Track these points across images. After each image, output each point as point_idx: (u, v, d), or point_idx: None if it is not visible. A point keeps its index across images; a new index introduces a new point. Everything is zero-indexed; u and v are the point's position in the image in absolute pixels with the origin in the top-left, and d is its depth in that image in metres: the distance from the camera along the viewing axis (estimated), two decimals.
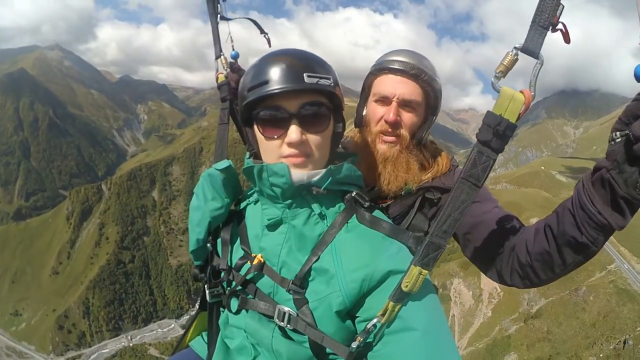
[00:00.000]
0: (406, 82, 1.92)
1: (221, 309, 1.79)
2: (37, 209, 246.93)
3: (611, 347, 50.08)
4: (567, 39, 1.14)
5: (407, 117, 1.95)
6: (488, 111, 1.16)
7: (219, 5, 2.10)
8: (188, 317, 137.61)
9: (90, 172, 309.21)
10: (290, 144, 1.40)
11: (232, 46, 2.13)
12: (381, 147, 1.96)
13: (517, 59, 1.12)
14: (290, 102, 1.39)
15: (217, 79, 2.06)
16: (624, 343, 49.11)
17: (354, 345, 1.30)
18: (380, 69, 1.99)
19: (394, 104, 1.92)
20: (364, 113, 2.08)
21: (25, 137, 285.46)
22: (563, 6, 1.08)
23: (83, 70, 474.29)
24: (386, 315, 1.25)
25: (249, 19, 2.25)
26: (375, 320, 1.26)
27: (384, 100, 1.96)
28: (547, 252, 1.53)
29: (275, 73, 1.36)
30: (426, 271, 1.22)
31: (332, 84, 1.43)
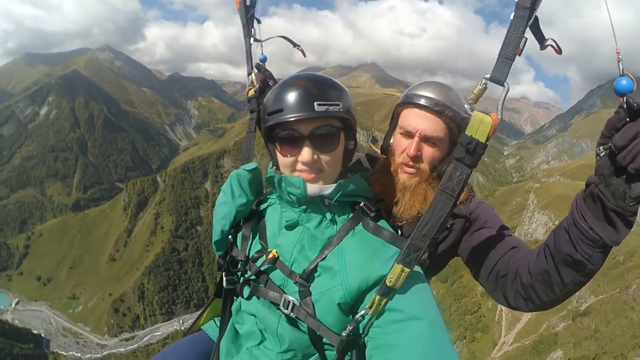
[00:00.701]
0: (429, 117, 2.01)
1: (235, 297, 1.92)
2: (94, 200, 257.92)
3: None
4: (558, 52, 1.27)
5: (428, 151, 2.04)
6: (462, 133, 1.32)
7: (253, 28, 2.27)
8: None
9: (145, 166, 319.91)
10: (303, 163, 1.60)
11: (262, 50, 2.31)
12: (402, 177, 2.06)
13: (486, 88, 1.28)
14: (304, 126, 1.58)
15: (247, 92, 2.20)
16: None
17: (344, 334, 1.48)
18: (407, 102, 2.10)
19: (416, 138, 2.01)
20: (391, 141, 2.19)
21: (82, 134, 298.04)
22: (526, 39, 1.22)
23: (134, 70, 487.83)
24: (373, 308, 1.40)
25: (281, 36, 2.43)
26: (363, 312, 1.43)
27: (408, 134, 2.05)
28: (546, 271, 1.57)
29: (289, 101, 1.56)
30: (408, 269, 1.36)
31: (342, 110, 1.60)
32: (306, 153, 1.58)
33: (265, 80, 2.19)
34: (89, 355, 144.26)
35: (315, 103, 1.53)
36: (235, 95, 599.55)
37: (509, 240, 1.95)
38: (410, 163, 2.03)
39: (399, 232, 2.03)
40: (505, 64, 1.22)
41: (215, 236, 1.89)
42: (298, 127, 1.58)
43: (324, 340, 1.57)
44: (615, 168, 1.22)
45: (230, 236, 1.88)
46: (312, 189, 1.62)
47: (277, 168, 1.79)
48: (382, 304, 1.39)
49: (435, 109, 1.99)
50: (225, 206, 1.85)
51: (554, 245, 1.52)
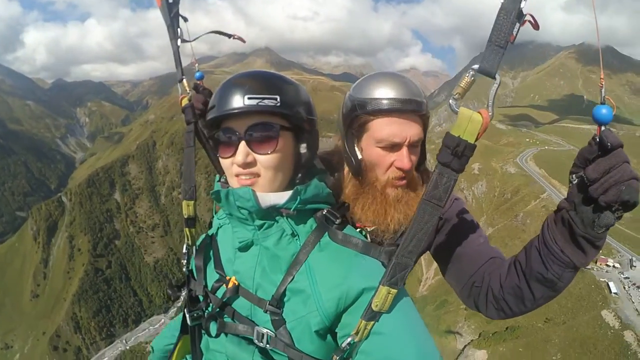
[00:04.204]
0: (410, 122, 1.78)
1: (203, 331, 1.75)
2: None
3: None
4: (536, 27, 1.16)
5: (414, 157, 1.86)
6: (447, 133, 1.18)
7: (179, 29, 2.07)
8: (175, 308, 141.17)
9: (43, 187, 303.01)
10: (237, 165, 1.46)
11: (196, 67, 2.16)
12: (393, 192, 1.86)
13: (474, 80, 1.16)
14: (239, 124, 1.45)
15: (180, 101, 2.00)
16: None
17: None
18: (378, 111, 1.76)
19: (405, 149, 1.80)
20: (360, 157, 1.88)
21: None
22: (519, 24, 1.11)
23: (15, 82, 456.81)
24: (359, 334, 1.30)
25: (211, 32, 2.22)
26: (349, 339, 1.31)
27: (393, 146, 1.80)
28: (517, 286, 1.59)
29: (222, 97, 1.45)
30: (395, 290, 1.27)
31: (279, 104, 1.43)
32: (240, 153, 1.44)
33: (206, 102, 1.85)
34: None
35: (245, 97, 1.41)
36: (126, 95, 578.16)
37: (486, 250, 1.89)
38: (403, 175, 1.83)
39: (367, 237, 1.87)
40: (496, 53, 1.10)
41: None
42: (234, 125, 1.46)
43: None
44: (585, 197, 1.25)
45: (184, 269, 1.78)
46: (266, 199, 1.45)
47: (225, 182, 1.64)
48: (369, 328, 1.30)
49: (412, 109, 1.76)
50: None
51: (525, 262, 1.55)
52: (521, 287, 1.57)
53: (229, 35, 2.24)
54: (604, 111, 1.10)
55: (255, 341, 1.46)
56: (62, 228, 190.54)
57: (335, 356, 1.35)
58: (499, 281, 1.69)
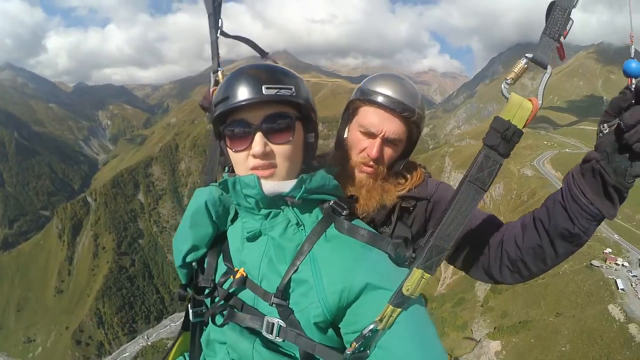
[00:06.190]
0: (392, 119, 1.91)
1: (204, 328, 1.76)
2: (23, 234, 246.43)
3: None
4: (562, 56, 1.23)
5: (388, 153, 1.96)
6: (496, 116, 1.20)
7: (220, 19, 2.09)
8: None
9: (67, 188, 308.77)
10: (255, 156, 1.42)
11: (218, 62, 2.09)
12: (359, 175, 1.97)
13: (527, 68, 1.18)
14: (253, 115, 1.42)
15: (211, 93, 1.97)
16: None
17: (348, 352, 1.28)
18: (367, 99, 1.95)
19: (378, 140, 1.92)
20: (345, 136, 2.07)
21: None
22: (572, 21, 1.14)
23: (38, 86, 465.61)
24: (384, 321, 1.23)
25: (247, 40, 2.24)
26: (372, 326, 1.24)
27: (369, 134, 1.94)
28: (539, 245, 1.58)
29: (236, 88, 1.40)
30: (428, 275, 1.22)
31: (294, 94, 1.44)
32: (257, 144, 1.40)
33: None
34: None
35: (263, 86, 1.38)
36: (147, 98, 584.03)
37: (481, 215, 1.91)
38: (370, 163, 1.93)
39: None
40: (549, 45, 1.15)
41: (177, 262, 1.73)
42: (247, 117, 1.42)
43: (318, 359, 1.38)
44: (619, 146, 1.26)
45: (194, 263, 1.71)
46: (270, 186, 1.43)
47: (232, 171, 1.62)
48: (395, 315, 1.23)
49: (398, 110, 1.88)
50: (184, 232, 1.68)
51: (548, 220, 1.53)
52: (543, 245, 1.57)
53: (264, 53, 2.19)
54: (633, 65, 1.20)
55: (264, 333, 1.42)
56: (87, 227, 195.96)
57: (354, 343, 1.27)
58: (514, 244, 1.68)
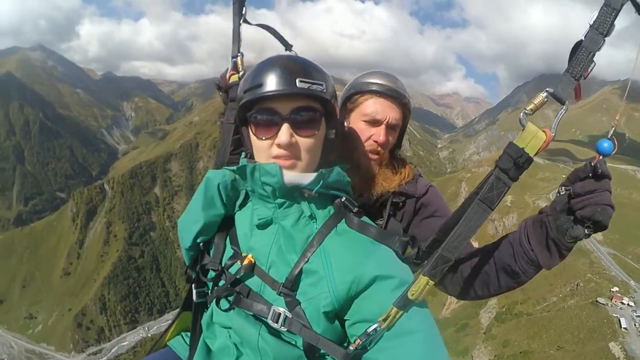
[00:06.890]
0: (393, 106, 2.07)
1: (205, 310, 1.77)
2: (36, 212, 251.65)
3: (567, 289, 76.91)
4: (577, 95, 1.29)
5: (391, 138, 2.12)
6: (511, 142, 1.27)
7: (245, 7, 2.12)
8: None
9: (85, 173, 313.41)
10: (279, 145, 1.44)
11: (239, 48, 2.14)
12: (367, 163, 2.08)
13: (546, 101, 1.25)
14: (283, 105, 1.43)
15: (229, 77, 2.05)
16: (577, 285, 76.15)
17: (352, 347, 1.33)
18: (369, 91, 2.09)
19: (383, 126, 2.05)
20: (346, 129, 2.14)
21: (18, 142, 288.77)
22: (595, 64, 1.21)
23: (67, 70, 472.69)
24: (388, 321, 1.28)
25: (270, 29, 2.26)
26: (375, 325, 1.29)
27: (374, 122, 2.07)
28: (486, 273, 1.74)
29: (269, 77, 1.42)
30: (433, 282, 1.28)
31: (325, 91, 1.47)
32: (283, 134, 1.42)
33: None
34: None
35: (297, 79, 1.40)
36: (172, 94, 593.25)
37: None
38: (378, 149, 2.06)
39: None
40: (570, 83, 1.22)
41: (187, 242, 1.71)
42: (276, 106, 1.44)
43: (321, 351, 1.42)
44: (567, 208, 1.42)
45: (201, 244, 1.71)
46: (290, 177, 1.46)
47: (251, 157, 1.62)
48: (398, 316, 1.28)
49: (397, 97, 2.06)
50: (196, 213, 1.66)
51: (497, 253, 1.69)
52: (489, 273, 1.73)
53: (289, 46, 2.21)
54: (605, 145, 1.30)
55: (270, 322, 1.43)
56: (102, 213, 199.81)
57: (358, 340, 1.32)
58: (469, 266, 1.83)
